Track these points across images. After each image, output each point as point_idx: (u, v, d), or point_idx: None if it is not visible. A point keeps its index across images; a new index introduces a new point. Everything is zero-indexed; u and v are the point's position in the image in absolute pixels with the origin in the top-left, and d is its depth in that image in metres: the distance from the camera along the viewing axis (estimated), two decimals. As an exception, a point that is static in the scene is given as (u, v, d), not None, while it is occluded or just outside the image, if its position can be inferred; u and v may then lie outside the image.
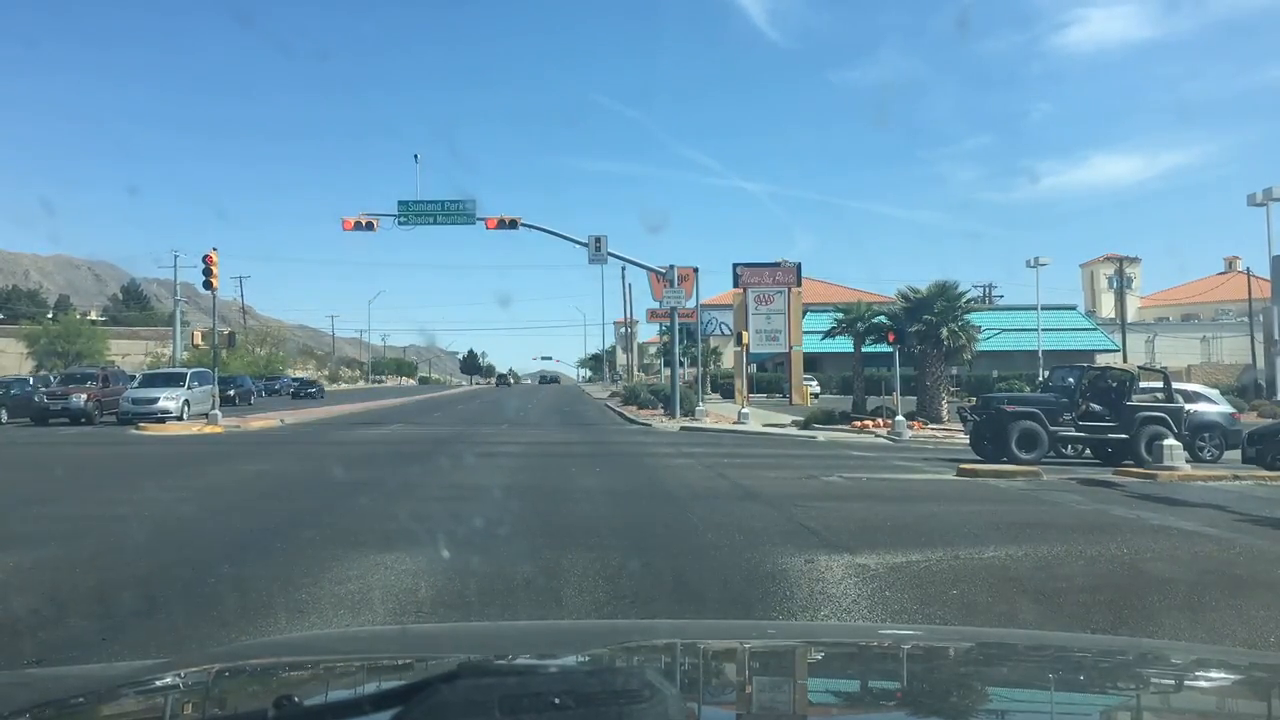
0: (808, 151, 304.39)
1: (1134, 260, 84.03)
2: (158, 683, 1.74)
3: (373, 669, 1.94)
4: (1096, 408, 18.91)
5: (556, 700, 1.09)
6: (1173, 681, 1.94)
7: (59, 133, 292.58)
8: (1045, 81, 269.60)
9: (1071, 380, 19.68)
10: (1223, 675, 1.97)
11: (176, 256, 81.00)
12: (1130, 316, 68.96)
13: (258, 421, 30.74)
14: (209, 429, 27.02)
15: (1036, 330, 53.98)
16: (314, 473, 15.93)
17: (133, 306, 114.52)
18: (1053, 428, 18.73)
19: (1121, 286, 68.73)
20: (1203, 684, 1.90)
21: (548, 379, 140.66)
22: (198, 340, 33.26)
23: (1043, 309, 55.60)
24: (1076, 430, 18.88)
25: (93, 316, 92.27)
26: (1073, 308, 72.57)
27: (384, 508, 11.06)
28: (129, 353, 75.60)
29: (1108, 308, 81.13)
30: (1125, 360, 60.52)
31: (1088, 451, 19.62)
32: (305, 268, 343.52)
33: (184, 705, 1.68)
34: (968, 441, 20.69)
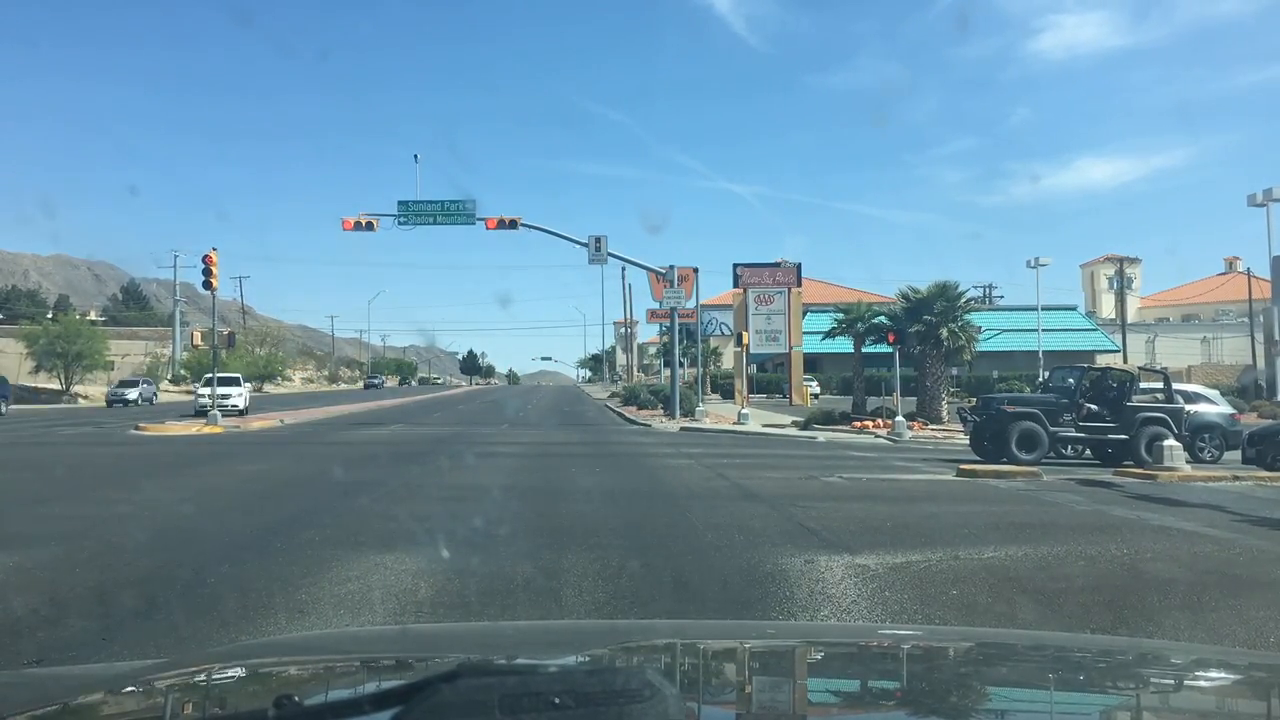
0: (796, 155, 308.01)
1: (1134, 261, 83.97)
2: (158, 683, 1.73)
3: (373, 669, 1.93)
4: (1096, 408, 18.91)
5: (556, 700, 1.09)
6: (1173, 681, 1.93)
7: (59, 133, 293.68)
8: (1022, 86, 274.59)
9: (1072, 381, 19.67)
10: (1223, 675, 1.96)
11: (176, 257, 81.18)
12: (1130, 317, 68.94)
13: (257, 422, 30.73)
14: (209, 429, 27.02)
15: (1037, 331, 53.96)
16: (314, 473, 15.93)
17: (132, 307, 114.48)
18: (1053, 428, 18.74)
19: (1122, 287, 68.62)
20: (1203, 684, 1.89)
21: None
22: (197, 340, 33.22)
23: (1043, 309, 55.58)
24: (1076, 431, 18.88)
25: (92, 317, 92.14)
26: (1073, 308, 72.56)
27: (384, 508, 11.05)
28: (129, 353, 75.54)
29: (1108, 308, 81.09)
30: (1125, 361, 60.56)
31: (1088, 452, 19.62)
32: (305, 268, 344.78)
33: (184, 705, 1.67)
34: (967, 442, 20.71)
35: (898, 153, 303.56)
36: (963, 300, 32.15)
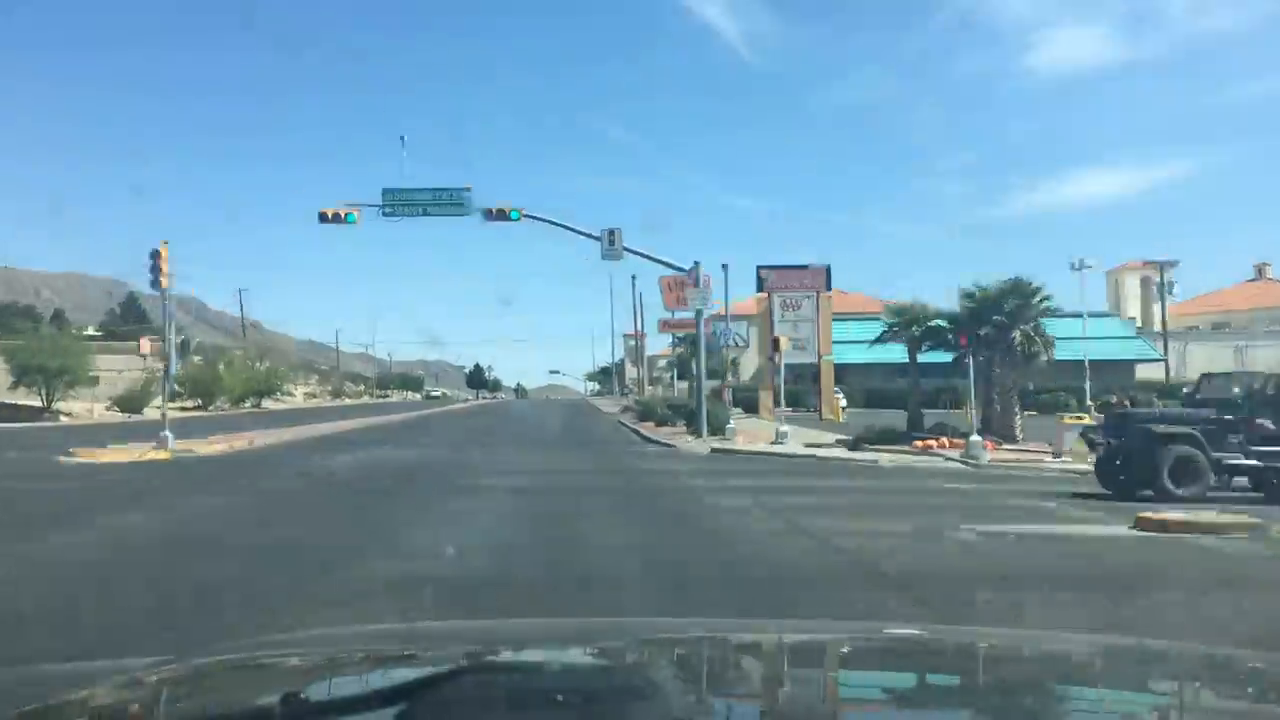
0: (798, 169, 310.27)
1: (1172, 264, 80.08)
2: (158, 682, 1.71)
3: (378, 666, 1.89)
4: (1274, 427, 14.43)
5: (560, 697, 1.17)
6: (1173, 682, 1.89)
7: (60, 135, 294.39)
8: (1021, 100, 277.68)
9: (1237, 391, 15.20)
10: (1224, 676, 1.89)
11: (173, 271, 77.72)
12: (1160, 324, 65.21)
13: (222, 444, 26.52)
14: (154, 454, 22.79)
15: (1082, 338, 49.75)
16: (221, 529, 11.68)
17: (130, 320, 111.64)
18: (1215, 454, 14.28)
19: (1163, 291, 65.07)
20: (1204, 685, 1.84)
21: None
22: (145, 348, 29.08)
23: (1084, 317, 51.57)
24: (1248, 457, 14.38)
25: (90, 330, 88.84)
26: (1113, 315, 69.29)
27: (277, 600, 6.75)
28: (124, 368, 71.94)
29: (1133, 314, 77.41)
30: (1168, 369, 56.47)
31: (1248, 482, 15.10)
32: (312, 276, 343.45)
33: (185, 705, 1.66)
34: (1093, 469, 16.21)
35: (899, 165, 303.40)
36: (1039, 299, 27.59)
